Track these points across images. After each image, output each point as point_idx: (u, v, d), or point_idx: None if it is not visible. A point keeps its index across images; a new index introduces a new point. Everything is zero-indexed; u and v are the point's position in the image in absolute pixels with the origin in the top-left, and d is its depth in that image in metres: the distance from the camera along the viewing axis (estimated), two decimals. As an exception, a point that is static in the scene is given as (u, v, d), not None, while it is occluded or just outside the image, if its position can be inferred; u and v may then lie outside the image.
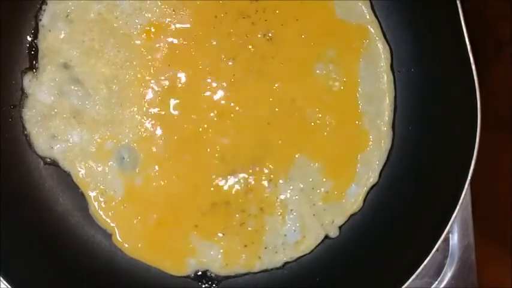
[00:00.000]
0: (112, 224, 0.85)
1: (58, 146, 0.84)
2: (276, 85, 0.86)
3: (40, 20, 0.84)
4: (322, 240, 0.88)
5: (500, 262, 0.90)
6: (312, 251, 0.88)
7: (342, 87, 0.87)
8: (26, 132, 0.84)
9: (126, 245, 0.85)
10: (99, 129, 0.84)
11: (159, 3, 0.84)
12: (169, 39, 0.84)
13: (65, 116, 0.84)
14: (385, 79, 0.88)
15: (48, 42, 0.83)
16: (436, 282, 0.91)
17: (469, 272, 0.91)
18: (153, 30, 0.84)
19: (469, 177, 0.75)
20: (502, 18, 0.89)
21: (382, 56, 0.87)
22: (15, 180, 0.83)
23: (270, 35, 0.86)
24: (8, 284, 0.73)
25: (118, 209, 0.84)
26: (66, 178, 0.85)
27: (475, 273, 0.91)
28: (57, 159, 0.85)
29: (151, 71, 0.84)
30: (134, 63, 0.84)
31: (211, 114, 0.85)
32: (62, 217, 0.85)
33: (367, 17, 0.87)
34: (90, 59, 0.84)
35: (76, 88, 0.84)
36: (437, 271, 0.91)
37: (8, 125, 0.84)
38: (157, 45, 0.84)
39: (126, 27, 0.84)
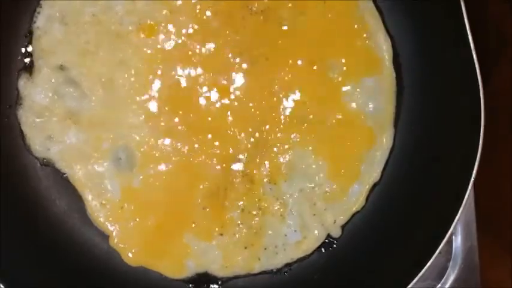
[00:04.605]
0: (109, 226, 0.84)
1: (55, 147, 0.84)
2: (277, 81, 0.85)
3: (35, 22, 0.84)
4: (324, 241, 0.87)
5: (503, 263, 0.90)
6: (314, 251, 0.87)
7: (342, 83, 0.86)
8: (22, 134, 0.84)
9: (123, 248, 0.84)
10: (96, 130, 0.84)
11: (153, 4, 0.83)
12: (165, 39, 0.84)
13: (61, 117, 0.84)
14: (387, 75, 0.87)
15: (44, 44, 0.83)
16: (439, 285, 0.91)
17: (473, 274, 0.91)
18: (147, 30, 0.83)
19: (472, 178, 0.74)
20: (504, 17, 0.89)
21: (384, 52, 0.87)
22: (11, 181, 0.83)
23: (269, 33, 0.85)
24: (4, 286, 0.73)
25: (115, 210, 0.84)
26: (63, 179, 0.85)
27: (479, 275, 0.91)
28: (54, 160, 0.84)
29: (147, 70, 0.84)
30: (129, 63, 0.83)
31: (209, 112, 0.84)
32: (59, 218, 0.85)
33: (369, 12, 0.86)
34: (86, 60, 0.83)
35: (72, 89, 0.84)
36: (440, 273, 0.91)
37: (4, 126, 0.84)
38: (152, 45, 0.84)
39: (121, 28, 0.83)
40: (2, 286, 0.73)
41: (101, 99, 0.84)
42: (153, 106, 0.84)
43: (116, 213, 0.84)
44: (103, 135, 0.84)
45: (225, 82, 0.84)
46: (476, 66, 0.73)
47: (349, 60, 0.86)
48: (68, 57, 0.83)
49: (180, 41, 0.84)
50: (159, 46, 0.84)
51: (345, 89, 0.86)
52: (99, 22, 0.83)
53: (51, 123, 0.83)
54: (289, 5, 0.85)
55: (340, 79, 0.86)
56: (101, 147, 0.84)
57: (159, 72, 0.84)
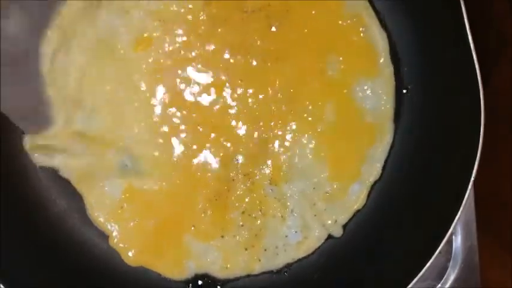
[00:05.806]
0: (109, 226, 0.84)
1: (60, 157, 0.84)
2: (276, 80, 0.85)
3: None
4: (325, 241, 0.87)
5: (503, 263, 0.90)
6: (314, 251, 0.87)
7: (341, 80, 0.86)
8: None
9: (123, 248, 0.84)
10: (101, 141, 0.84)
11: (145, 17, 0.83)
12: (161, 49, 0.83)
13: (67, 130, 0.84)
14: (385, 71, 0.87)
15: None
16: (439, 285, 0.90)
17: (473, 274, 0.91)
18: (143, 43, 0.83)
19: (472, 178, 0.74)
20: (504, 17, 0.89)
21: (381, 47, 0.86)
22: (11, 181, 0.82)
23: (266, 32, 0.85)
24: (4, 286, 0.73)
25: (115, 210, 0.84)
26: (63, 179, 0.85)
27: (479, 275, 0.90)
28: (58, 168, 0.84)
29: (149, 82, 0.83)
30: (132, 77, 0.83)
31: (210, 114, 0.84)
32: (59, 218, 0.85)
33: (364, 7, 0.86)
34: (89, 79, 0.83)
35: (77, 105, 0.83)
36: (440, 273, 0.91)
37: (5, 126, 0.83)
38: (150, 56, 0.83)
39: (119, 44, 0.83)
40: (2, 286, 0.73)
41: (106, 113, 0.83)
42: (156, 113, 0.84)
43: (116, 213, 0.84)
44: (108, 145, 0.83)
45: (223, 79, 0.84)
46: (476, 66, 0.73)
47: (348, 57, 0.86)
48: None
49: (176, 48, 0.84)
50: (157, 56, 0.83)
51: (344, 86, 0.86)
52: (98, 41, 0.83)
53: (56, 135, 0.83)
54: (282, 4, 0.84)
55: (339, 76, 0.85)
56: (106, 156, 0.84)
57: (161, 80, 0.84)
